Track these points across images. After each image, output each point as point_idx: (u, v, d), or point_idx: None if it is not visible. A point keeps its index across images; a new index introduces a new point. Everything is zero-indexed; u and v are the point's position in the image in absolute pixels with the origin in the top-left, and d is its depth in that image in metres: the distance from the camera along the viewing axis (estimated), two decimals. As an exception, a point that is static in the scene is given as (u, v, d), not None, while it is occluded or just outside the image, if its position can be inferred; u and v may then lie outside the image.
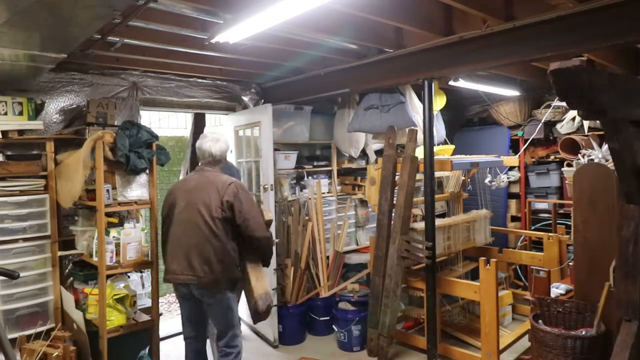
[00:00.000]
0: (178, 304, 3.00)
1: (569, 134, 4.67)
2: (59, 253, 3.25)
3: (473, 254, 4.16)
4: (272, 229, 3.90)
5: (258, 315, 2.85)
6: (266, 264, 2.92)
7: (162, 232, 2.84)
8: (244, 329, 4.38)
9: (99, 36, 2.81)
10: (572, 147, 4.50)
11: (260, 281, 2.82)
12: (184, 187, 2.80)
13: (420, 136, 3.70)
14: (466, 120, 5.96)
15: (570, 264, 3.51)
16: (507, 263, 4.59)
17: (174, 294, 5.40)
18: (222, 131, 3.19)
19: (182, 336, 2.98)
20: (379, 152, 4.76)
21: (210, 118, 5.47)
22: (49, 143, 3.23)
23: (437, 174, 4.00)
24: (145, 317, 3.29)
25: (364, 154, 4.89)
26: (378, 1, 2.50)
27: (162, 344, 3.68)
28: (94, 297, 3.15)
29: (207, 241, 2.61)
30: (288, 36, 3.04)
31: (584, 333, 2.62)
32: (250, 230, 2.68)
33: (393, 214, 3.62)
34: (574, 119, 3.84)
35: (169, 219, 2.77)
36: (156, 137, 3.28)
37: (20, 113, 3.11)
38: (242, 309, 4.53)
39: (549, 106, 4.76)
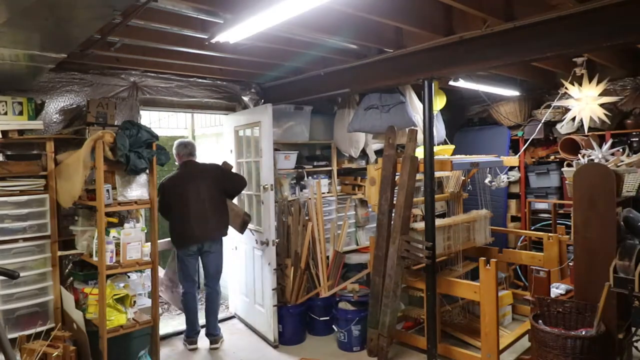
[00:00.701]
0: (182, 265, 3.91)
1: (569, 134, 4.67)
2: (59, 253, 3.26)
3: (473, 254, 4.16)
4: (272, 229, 3.93)
5: (245, 224, 4.09)
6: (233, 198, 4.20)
7: (172, 215, 3.84)
8: (244, 329, 4.38)
9: (99, 36, 2.81)
10: (572, 147, 4.50)
11: (238, 205, 4.33)
12: (185, 179, 3.84)
13: (420, 136, 3.70)
14: (466, 120, 5.96)
15: (570, 264, 3.51)
16: (507, 263, 4.59)
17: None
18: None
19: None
20: (379, 152, 4.76)
21: (210, 118, 5.47)
22: (49, 143, 3.23)
23: (437, 174, 4.00)
24: (145, 317, 3.29)
25: (364, 154, 4.89)
26: (378, 1, 2.50)
27: (162, 344, 3.68)
28: (94, 297, 3.15)
29: (216, 208, 3.86)
30: (288, 36, 3.04)
31: (584, 333, 2.62)
32: (238, 184, 4.00)
33: (393, 214, 3.62)
34: (574, 119, 3.83)
35: (179, 204, 3.76)
36: (156, 137, 3.28)
37: (20, 113, 3.11)
38: (242, 309, 4.53)
39: (549, 106, 4.76)
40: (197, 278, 3.99)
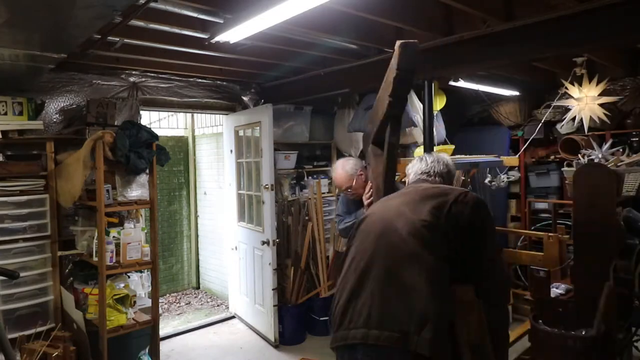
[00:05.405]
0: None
1: (569, 134, 4.66)
2: (59, 253, 3.25)
3: (473, 254, 4.15)
4: (272, 229, 3.92)
5: None
6: None
7: None
8: (244, 329, 4.38)
9: (99, 36, 2.81)
10: (572, 147, 4.49)
11: None
12: None
13: (420, 136, 3.70)
14: (466, 120, 5.95)
15: (571, 264, 3.50)
16: (507, 263, 4.58)
17: (174, 294, 5.42)
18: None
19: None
20: (379, 152, 4.75)
21: (210, 118, 5.47)
22: (49, 143, 3.23)
23: (437, 174, 3.98)
24: (145, 317, 3.29)
25: (364, 154, 4.89)
26: (378, 1, 2.50)
27: (162, 344, 3.68)
28: (94, 297, 3.14)
29: None
30: (288, 36, 3.04)
31: (584, 333, 2.62)
32: None
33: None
34: (574, 119, 3.83)
35: None
36: (156, 137, 3.28)
37: (20, 113, 3.11)
38: (242, 308, 4.53)
39: (549, 106, 4.76)
40: None
